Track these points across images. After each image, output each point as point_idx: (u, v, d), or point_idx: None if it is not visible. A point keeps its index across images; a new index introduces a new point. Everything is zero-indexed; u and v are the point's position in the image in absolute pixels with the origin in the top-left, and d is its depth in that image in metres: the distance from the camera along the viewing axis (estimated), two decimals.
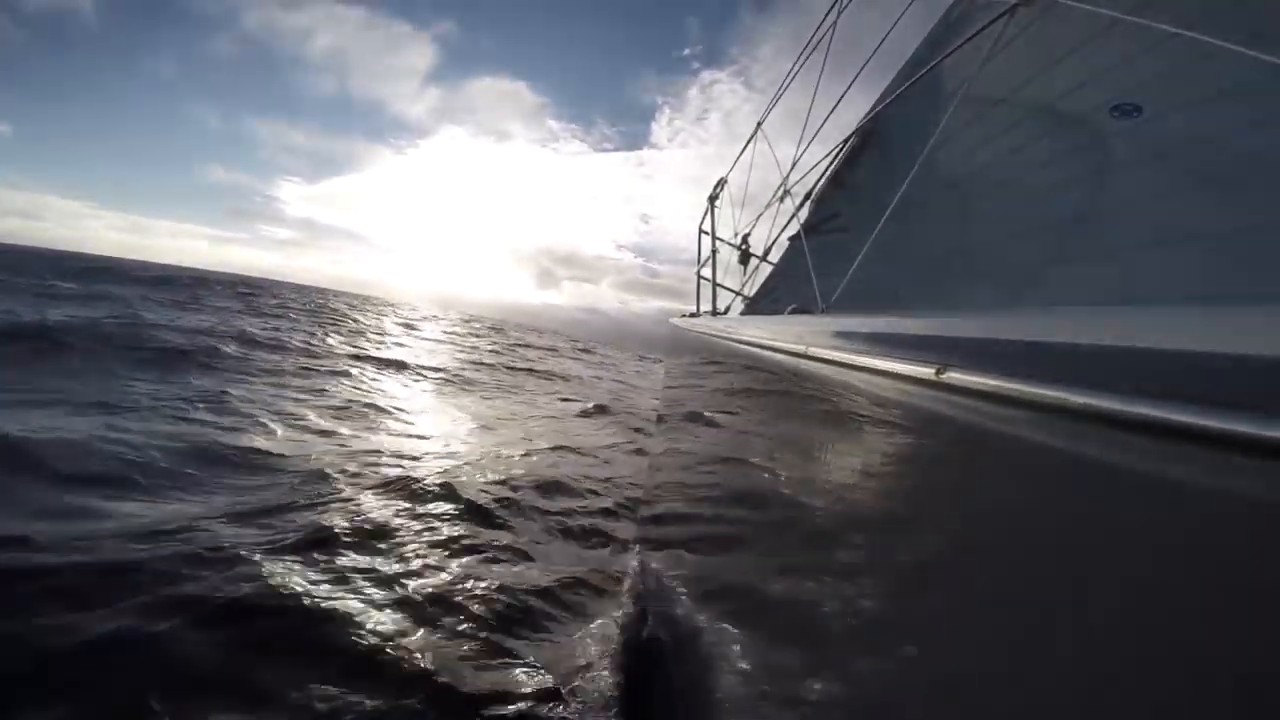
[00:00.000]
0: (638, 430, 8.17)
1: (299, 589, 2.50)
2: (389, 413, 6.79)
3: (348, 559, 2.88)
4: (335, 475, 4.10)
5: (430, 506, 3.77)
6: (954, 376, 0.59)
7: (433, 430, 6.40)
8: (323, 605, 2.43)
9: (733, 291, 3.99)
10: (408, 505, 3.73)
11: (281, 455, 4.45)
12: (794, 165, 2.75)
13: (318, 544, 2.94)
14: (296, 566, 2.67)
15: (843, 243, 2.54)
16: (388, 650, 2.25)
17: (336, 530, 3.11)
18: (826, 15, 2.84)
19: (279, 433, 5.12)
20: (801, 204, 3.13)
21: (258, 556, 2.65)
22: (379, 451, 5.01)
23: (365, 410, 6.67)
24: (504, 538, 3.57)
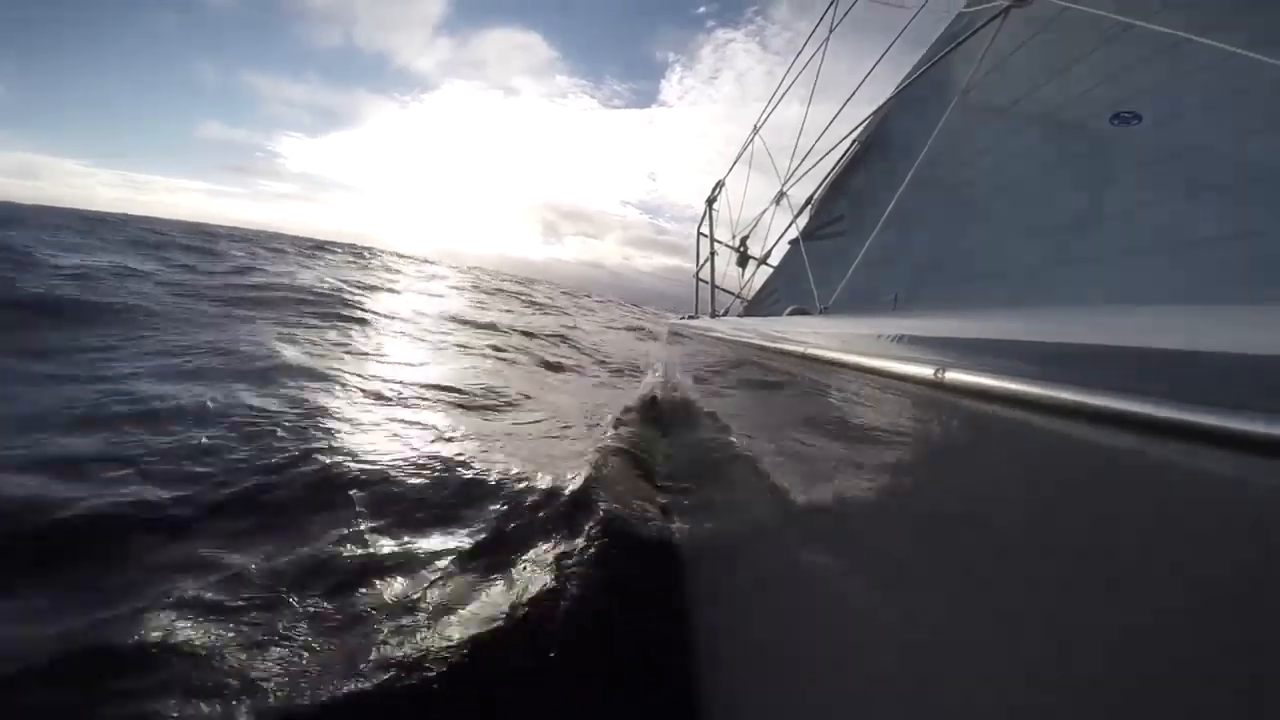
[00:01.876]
0: None
1: None
2: None
3: None
4: None
5: None
6: (954, 377, 0.59)
7: None
8: None
9: (731, 294, 4.00)
10: None
11: None
12: (793, 169, 2.76)
13: None
14: None
15: (841, 246, 2.55)
16: None
17: None
18: (820, 20, 2.86)
19: None
20: (802, 209, 3.15)
21: None
22: None
23: None
24: None
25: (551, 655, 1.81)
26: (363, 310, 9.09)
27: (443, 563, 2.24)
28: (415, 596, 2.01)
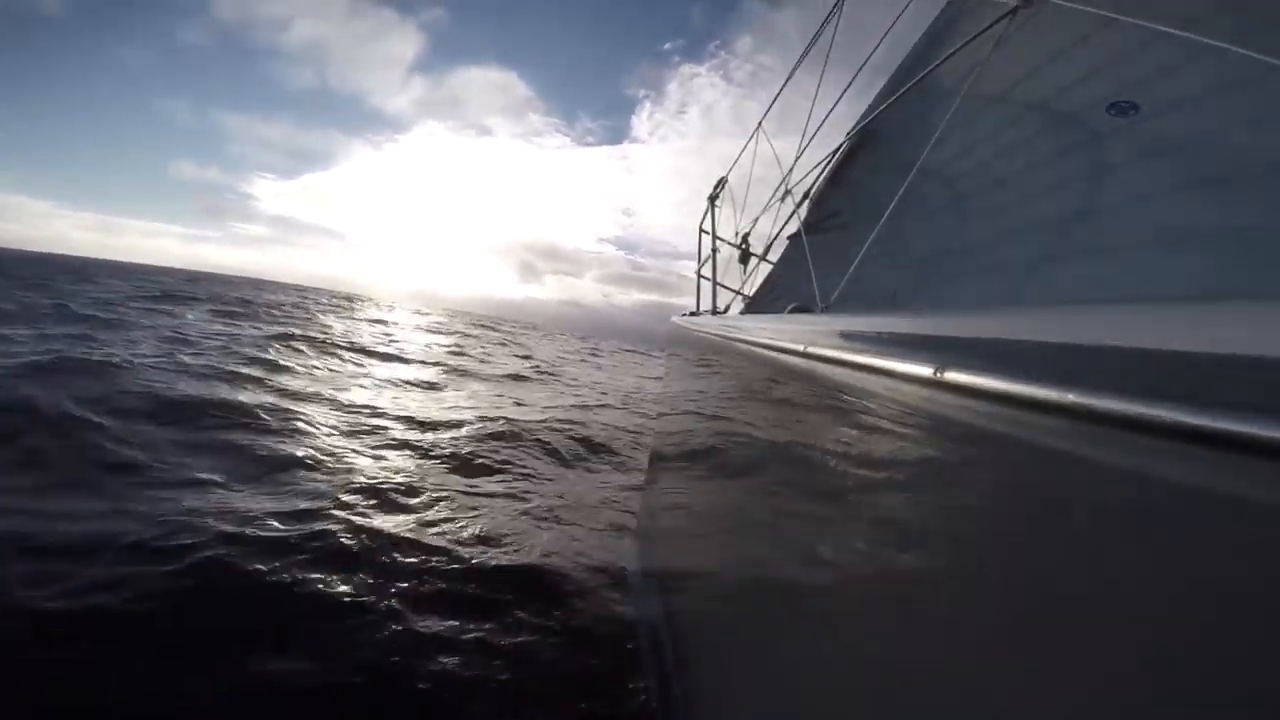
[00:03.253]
0: None
1: None
2: None
3: None
4: None
5: None
6: (954, 376, 0.59)
7: None
8: None
9: (733, 290, 4.00)
10: None
11: None
12: (794, 164, 2.76)
13: None
14: None
15: (842, 241, 2.54)
16: None
17: None
18: (830, 13, 2.85)
19: None
20: (801, 202, 3.14)
21: None
22: None
23: None
24: None
25: None
26: None
27: None
28: None
